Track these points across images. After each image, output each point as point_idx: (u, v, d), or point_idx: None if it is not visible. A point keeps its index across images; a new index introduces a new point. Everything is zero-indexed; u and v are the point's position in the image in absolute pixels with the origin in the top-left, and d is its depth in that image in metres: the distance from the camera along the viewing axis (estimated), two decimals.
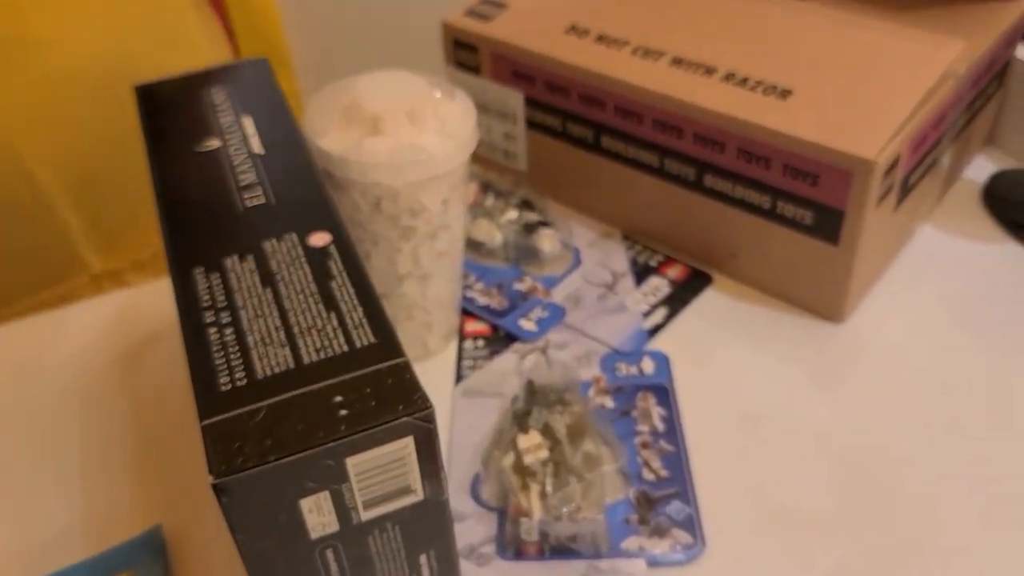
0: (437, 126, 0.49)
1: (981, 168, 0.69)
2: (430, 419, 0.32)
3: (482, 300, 0.61)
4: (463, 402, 0.54)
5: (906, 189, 0.57)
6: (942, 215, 0.66)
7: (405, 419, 0.32)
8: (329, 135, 0.48)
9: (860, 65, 0.56)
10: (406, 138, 0.48)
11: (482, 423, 0.53)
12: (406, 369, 0.33)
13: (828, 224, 0.54)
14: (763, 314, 0.59)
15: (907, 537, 0.46)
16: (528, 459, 0.48)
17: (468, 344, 0.58)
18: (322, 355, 0.34)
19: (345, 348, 0.34)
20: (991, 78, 0.64)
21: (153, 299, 0.63)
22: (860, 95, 0.54)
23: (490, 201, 0.67)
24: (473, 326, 0.60)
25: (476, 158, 0.73)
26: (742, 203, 0.57)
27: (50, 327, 0.62)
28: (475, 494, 0.49)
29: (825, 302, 0.58)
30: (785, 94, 0.55)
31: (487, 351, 0.58)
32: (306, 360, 0.34)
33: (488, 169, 0.72)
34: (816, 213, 0.54)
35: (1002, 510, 0.47)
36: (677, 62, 0.59)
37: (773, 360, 0.56)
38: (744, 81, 0.56)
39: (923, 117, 0.54)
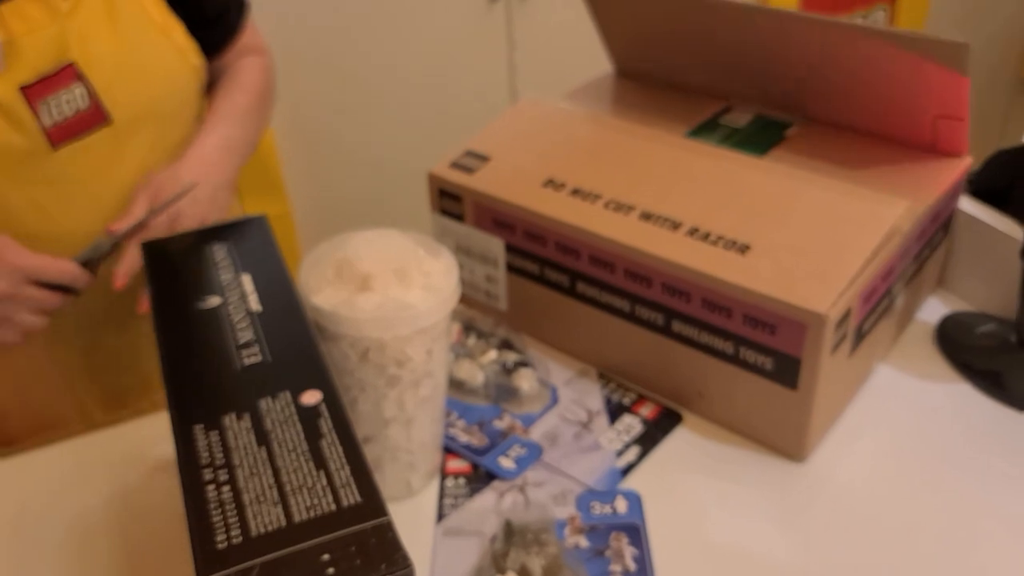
0: (422, 282, 0.53)
1: (934, 309, 0.74)
2: None
3: (463, 438, 0.64)
4: (445, 541, 0.57)
5: (860, 336, 0.61)
6: (898, 356, 0.70)
7: None
8: (322, 292, 0.52)
9: (813, 222, 0.61)
10: (394, 294, 0.52)
11: (462, 563, 0.55)
12: (388, 528, 0.36)
13: (787, 370, 0.58)
14: (729, 452, 0.62)
15: None
16: None
17: (450, 482, 0.61)
18: (312, 514, 0.37)
19: (333, 507, 0.37)
20: (937, 228, 0.70)
21: (146, 435, 0.65)
22: (813, 251, 0.59)
23: (472, 341, 0.71)
24: (455, 464, 0.62)
25: (460, 298, 0.77)
26: (707, 348, 0.61)
27: (45, 463, 0.65)
28: None
29: (787, 442, 0.61)
30: (744, 249, 0.60)
31: (468, 489, 0.60)
32: (297, 519, 0.36)
33: (471, 307, 0.76)
34: (775, 360, 0.58)
35: None
36: (646, 216, 0.64)
37: (739, 499, 0.59)
38: (707, 236, 0.61)
39: (872, 271, 0.58)
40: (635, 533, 0.56)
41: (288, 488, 0.38)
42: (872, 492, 0.59)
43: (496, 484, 0.61)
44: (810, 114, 0.75)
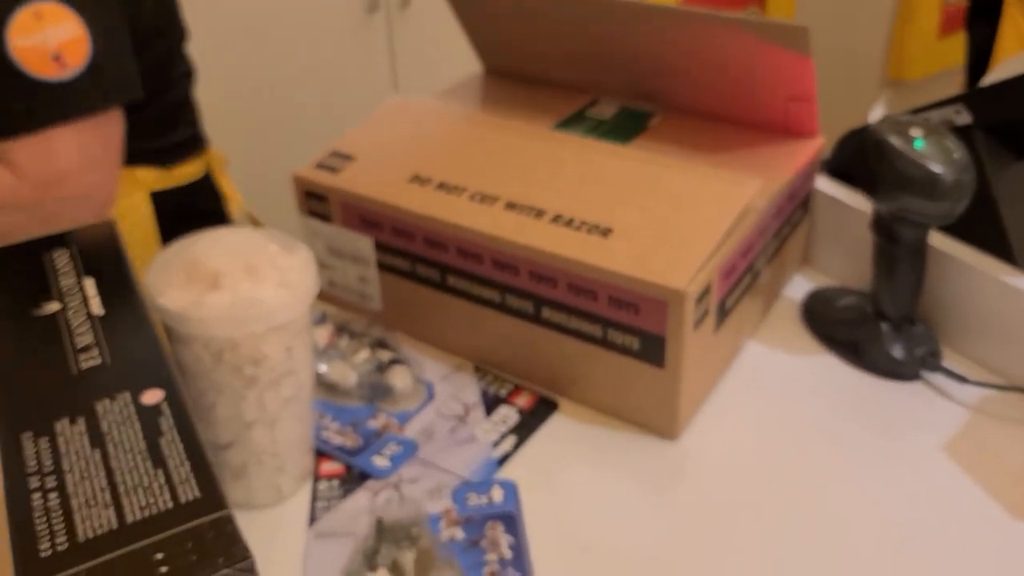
0: (276, 278, 0.52)
1: (800, 286, 0.76)
2: (251, 570, 0.33)
3: (336, 440, 0.63)
4: (316, 544, 0.55)
5: (724, 312, 0.63)
6: (766, 332, 0.72)
7: (225, 571, 0.33)
8: (169, 292, 0.50)
9: (672, 204, 0.62)
10: (245, 292, 0.50)
11: (335, 565, 0.53)
12: (228, 521, 0.35)
13: (653, 349, 0.59)
14: (604, 435, 0.62)
15: None
16: None
17: (322, 485, 0.59)
18: (146, 513, 0.35)
19: (170, 504, 0.35)
20: (795, 207, 0.72)
21: None
22: (671, 232, 0.60)
23: (344, 342, 0.69)
24: (328, 467, 0.61)
25: (332, 300, 0.75)
26: (577, 333, 0.62)
27: None
28: None
29: (659, 421, 0.62)
30: (606, 232, 0.60)
31: (341, 491, 0.59)
32: (130, 519, 0.35)
33: (345, 310, 0.75)
34: (641, 340, 0.59)
35: None
36: (511, 206, 0.64)
37: (613, 481, 0.59)
38: (570, 222, 0.61)
39: (729, 248, 0.60)
40: (511, 521, 0.56)
41: (122, 489, 0.36)
42: (744, 466, 0.60)
43: (370, 484, 0.59)
44: (671, 103, 0.77)
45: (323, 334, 0.70)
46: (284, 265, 0.53)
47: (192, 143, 0.98)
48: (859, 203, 0.73)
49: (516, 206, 0.64)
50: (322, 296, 0.75)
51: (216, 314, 0.49)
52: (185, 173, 0.96)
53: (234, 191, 1.05)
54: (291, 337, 0.52)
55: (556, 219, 0.62)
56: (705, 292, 0.58)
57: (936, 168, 0.59)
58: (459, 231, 0.64)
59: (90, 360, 0.43)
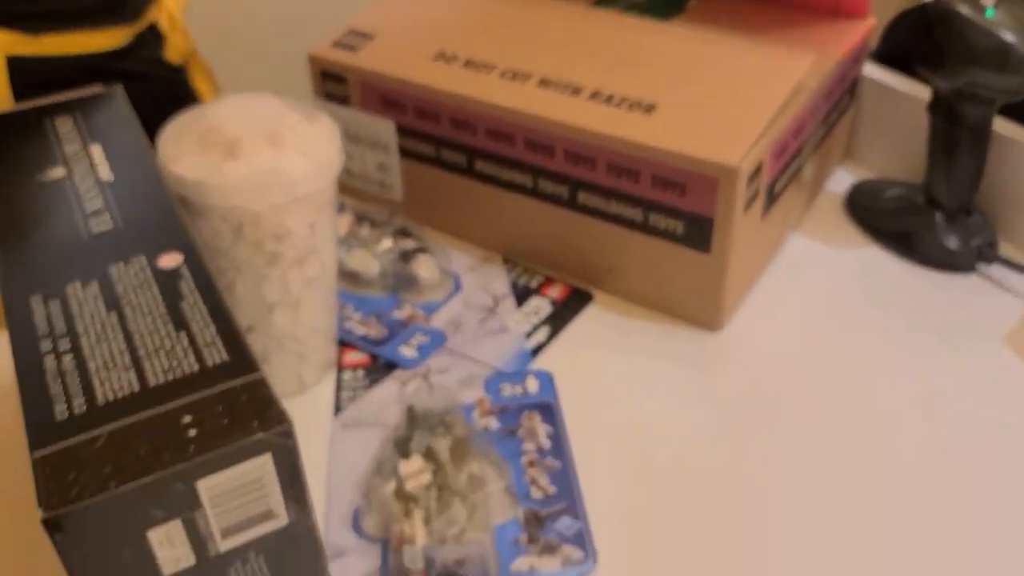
0: (298, 148, 0.48)
1: (842, 180, 0.72)
2: (288, 434, 0.30)
3: (360, 330, 0.59)
4: (343, 434, 0.52)
5: (772, 197, 0.59)
6: (809, 225, 0.68)
7: (260, 436, 0.30)
8: (184, 161, 0.46)
9: (718, 80, 0.58)
10: (266, 161, 0.46)
11: (363, 454, 0.51)
12: (262, 385, 0.31)
13: (699, 232, 0.55)
14: (643, 327, 0.59)
15: (792, 541, 0.46)
16: (410, 485, 0.46)
17: (347, 375, 0.56)
18: (170, 376, 0.32)
19: (196, 368, 0.32)
20: (843, 92, 0.67)
21: None
22: (720, 108, 0.55)
23: (365, 231, 0.66)
24: (352, 357, 0.58)
25: (351, 191, 0.71)
26: (616, 218, 0.58)
27: None
28: (356, 527, 0.47)
29: (701, 311, 0.58)
30: (649, 109, 0.56)
31: (367, 381, 0.56)
32: (152, 382, 0.31)
33: (364, 201, 0.71)
34: (687, 223, 0.55)
35: (879, 508, 0.47)
36: (544, 83, 0.59)
37: (653, 371, 0.56)
38: (609, 99, 0.57)
39: (781, 126, 0.56)
40: (548, 411, 0.53)
41: (143, 352, 0.33)
42: (789, 359, 0.57)
43: (397, 374, 0.56)
44: None
45: (342, 223, 0.66)
46: (306, 134, 0.49)
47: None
48: (911, 88, 0.68)
49: (550, 83, 0.59)
50: (339, 186, 0.71)
51: (236, 183, 0.45)
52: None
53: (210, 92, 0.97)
54: (314, 212, 0.49)
55: (594, 96, 0.58)
56: (757, 171, 0.54)
57: (1008, 38, 0.54)
58: (489, 110, 0.59)
59: (101, 224, 0.40)
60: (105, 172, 0.43)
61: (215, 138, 0.47)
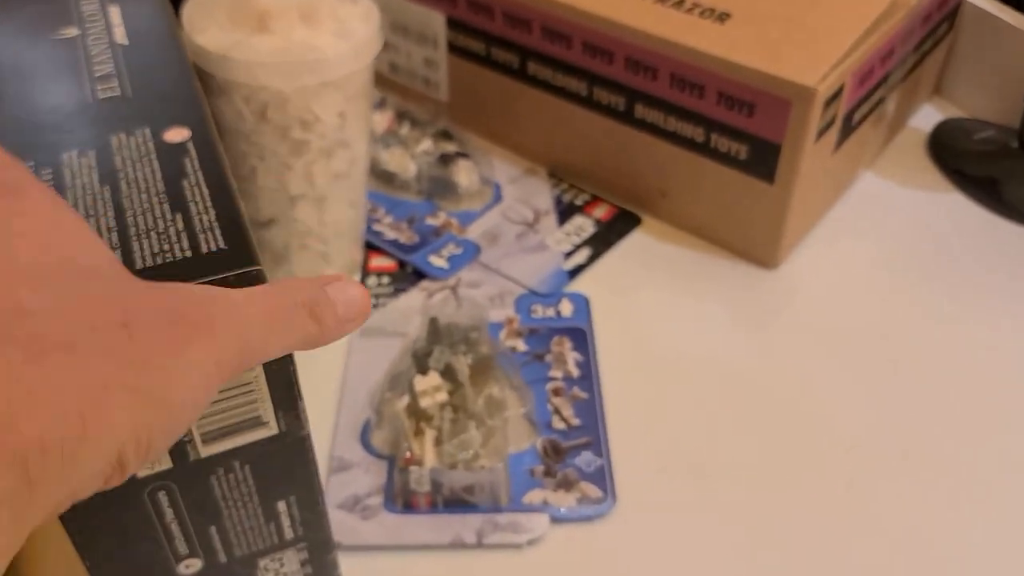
0: (334, 27, 0.43)
1: (927, 118, 0.66)
2: None
3: (390, 234, 0.56)
4: (360, 342, 0.49)
5: (848, 128, 0.53)
6: (885, 163, 0.62)
7: None
8: (209, 32, 0.42)
9: None
10: (298, 38, 0.42)
11: (380, 365, 0.48)
12: (259, 278, 0.28)
13: (764, 159, 0.50)
14: (692, 258, 0.55)
15: (834, 487, 0.42)
16: (424, 402, 0.43)
17: (372, 281, 0.53)
18: (159, 260, 0.28)
19: (188, 253, 0.29)
20: (942, 18, 0.61)
21: None
22: (804, 21, 0.50)
23: (405, 130, 0.62)
24: (378, 261, 0.55)
25: (394, 87, 0.67)
26: (674, 136, 0.53)
27: None
28: (365, 440, 0.44)
29: (758, 246, 0.54)
30: (723, 17, 0.50)
31: (392, 288, 0.53)
32: (139, 265, 0.28)
33: (407, 99, 0.67)
34: (751, 147, 0.50)
35: (931, 456, 0.43)
36: None
37: (699, 305, 0.52)
38: (680, 3, 0.52)
39: (870, 47, 0.50)
40: (580, 337, 0.49)
41: (132, 232, 0.29)
42: (851, 305, 0.52)
43: (425, 284, 0.53)
44: None
45: (382, 119, 0.62)
46: (344, 14, 0.44)
47: None
48: (1019, 22, 0.61)
49: None
50: (382, 81, 0.67)
51: (263, 58, 0.41)
52: None
53: None
54: (346, 100, 0.45)
55: None
56: (836, 96, 0.49)
57: None
58: (547, 6, 0.54)
59: (108, 91, 0.36)
60: (120, 35, 0.40)
61: (245, 10, 0.42)
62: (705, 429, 0.45)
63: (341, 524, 0.40)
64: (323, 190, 0.47)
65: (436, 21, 0.61)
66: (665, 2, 0.52)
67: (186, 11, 0.44)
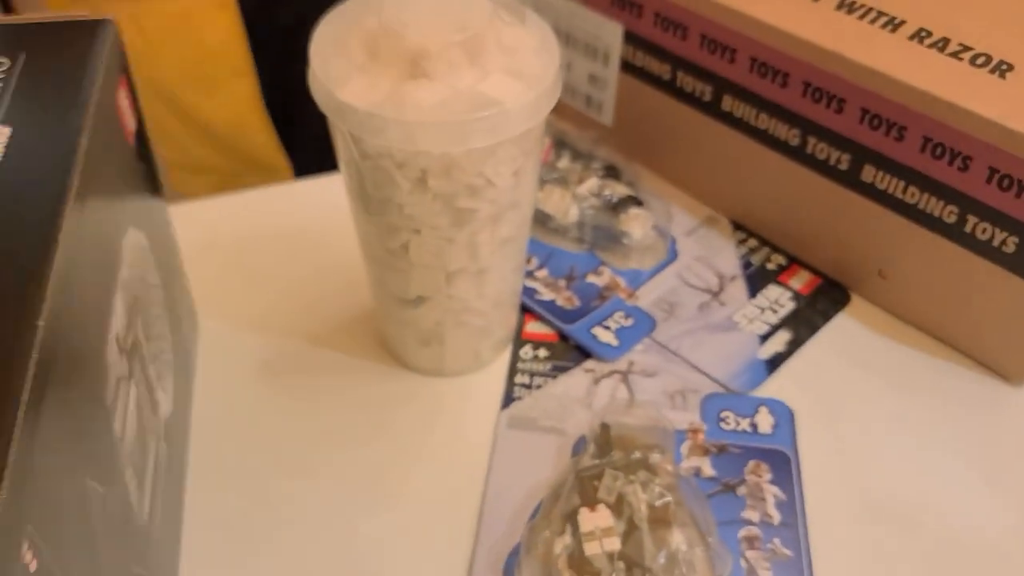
0: (504, 63, 0.34)
1: None
2: None
3: (546, 294, 0.47)
4: (509, 435, 0.41)
5: None
6: None
7: None
8: (352, 82, 0.34)
9: None
10: (464, 84, 0.33)
11: (532, 470, 0.39)
12: None
13: None
14: (920, 360, 0.44)
15: None
16: (591, 548, 0.35)
17: (526, 352, 0.45)
18: None
19: None
20: None
21: None
22: None
23: (565, 162, 0.52)
24: (533, 327, 0.46)
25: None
26: (913, 210, 0.42)
27: None
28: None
29: (1009, 359, 0.43)
30: (1004, 70, 0.39)
31: (550, 366, 0.44)
32: None
33: (562, 118, 0.57)
34: (1021, 240, 0.39)
35: None
36: (847, 6, 0.43)
37: (932, 430, 0.42)
38: (943, 43, 0.41)
39: None
40: (781, 465, 0.40)
41: None
42: None
43: (589, 364, 0.44)
44: None
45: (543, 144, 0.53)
46: (512, 41, 0.35)
47: None
48: None
49: (856, 6, 0.43)
50: None
51: (424, 117, 0.32)
52: None
53: None
54: (523, 155, 0.36)
55: (920, 36, 0.41)
56: None
57: None
58: (761, 31, 0.44)
59: None
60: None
61: (391, 47, 0.34)
62: None
63: None
64: (486, 262, 0.38)
65: (611, 33, 0.51)
66: (922, 39, 0.41)
67: (315, 49, 0.35)
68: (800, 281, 0.48)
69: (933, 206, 0.41)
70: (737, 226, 0.51)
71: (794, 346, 0.45)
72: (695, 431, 0.41)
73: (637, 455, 0.38)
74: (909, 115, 0.40)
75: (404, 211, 0.35)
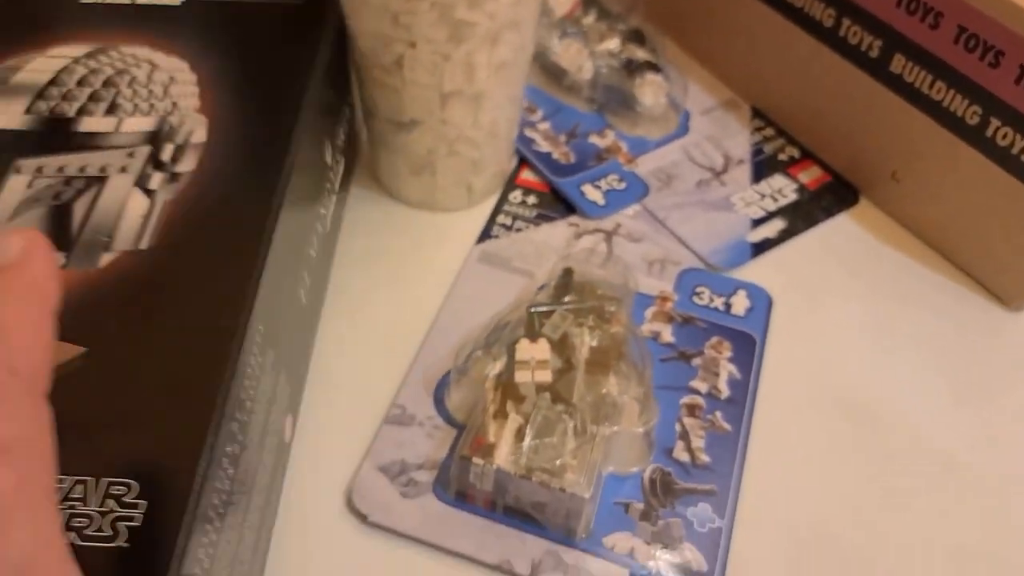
0: None
1: None
2: None
3: (543, 146, 0.46)
4: (478, 268, 0.41)
5: None
6: None
7: None
8: None
9: None
10: None
11: (489, 305, 0.39)
12: None
13: None
14: (915, 272, 0.42)
15: None
16: (520, 376, 0.34)
17: (514, 196, 0.44)
18: None
19: None
20: None
21: None
22: None
23: (590, 19, 0.50)
24: (527, 175, 0.45)
25: None
26: (935, 108, 0.40)
27: None
28: (439, 397, 0.36)
29: (1009, 280, 0.41)
30: None
31: (535, 213, 0.43)
32: None
33: None
34: None
35: None
36: None
37: (912, 339, 0.40)
38: None
39: None
40: (746, 347, 0.38)
41: None
42: None
43: (575, 219, 0.43)
44: None
45: (564, 0, 0.51)
46: None
47: None
48: None
49: None
50: None
51: None
52: None
53: None
54: None
55: None
56: None
57: None
58: None
59: None
60: None
61: None
62: (878, 512, 0.34)
63: (375, 493, 0.32)
64: (482, 85, 0.37)
65: None
66: None
67: None
68: (809, 176, 0.46)
69: (957, 105, 0.39)
70: (756, 114, 0.49)
71: (786, 235, 0.43)
72: (664, 298, 0.40)
73: (592, 303, 0.37)
74: (944, 1, 0.37)
75: (399, 20, 0.34)
